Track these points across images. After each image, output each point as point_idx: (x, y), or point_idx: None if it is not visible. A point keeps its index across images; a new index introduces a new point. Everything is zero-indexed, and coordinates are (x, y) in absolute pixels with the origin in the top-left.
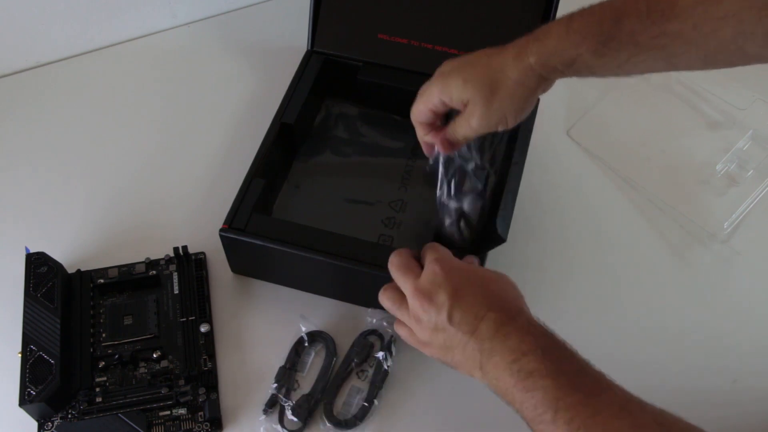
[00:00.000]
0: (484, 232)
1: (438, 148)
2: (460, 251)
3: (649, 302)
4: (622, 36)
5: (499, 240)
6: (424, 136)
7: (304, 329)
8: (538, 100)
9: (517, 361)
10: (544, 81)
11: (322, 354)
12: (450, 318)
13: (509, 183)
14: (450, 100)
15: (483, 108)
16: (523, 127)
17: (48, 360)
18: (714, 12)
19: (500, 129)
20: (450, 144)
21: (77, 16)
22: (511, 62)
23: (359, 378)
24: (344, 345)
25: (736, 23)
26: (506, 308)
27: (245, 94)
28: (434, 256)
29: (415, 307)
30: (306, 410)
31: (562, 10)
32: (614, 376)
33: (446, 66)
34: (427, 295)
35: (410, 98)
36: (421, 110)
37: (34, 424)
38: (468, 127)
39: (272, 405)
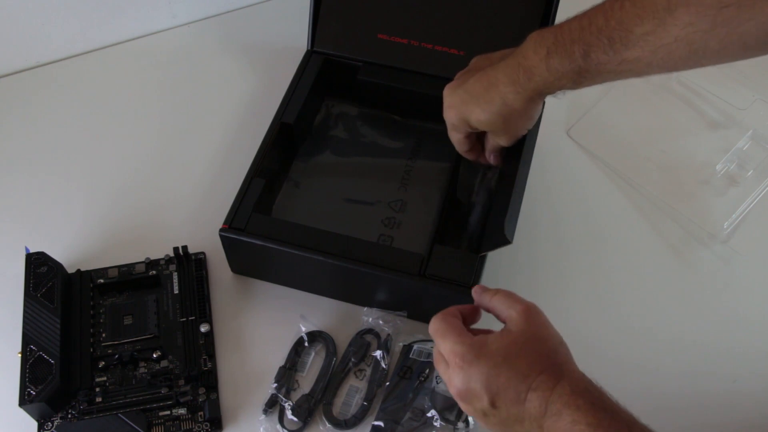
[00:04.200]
0: (489, 232)
1: (494, 162)
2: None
3: (648, 302)
4: (591, 68)
5: (505, 241)
6: (477, 158)
7: (304, 329)
8: (544, 102)
9: None
10: (542, 98)
11: (322, 354)
12: (494, 405)
13: (516, 184)
14: (475, 129)
15: (504, 133)
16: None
17: (48, 360)
18: (664, 38)
19: (513, 143)
20: (496, 156)
21: (77, 16)
22: (511, 95)
23: (357, 377)
24: (344, 345)
25: (687, 44)
26: (547, 375)
27: (245, 94)
28: (452, 349)
29: (459, 401)
30: (306, 410)
31: (562, 10)
32: (614, 376)
33: (453, 98)
34: (463, 395)
35: (410, 98)
36: (461, 141)
37: (34, 424)
38: (499, 143)
39: (272, 405)
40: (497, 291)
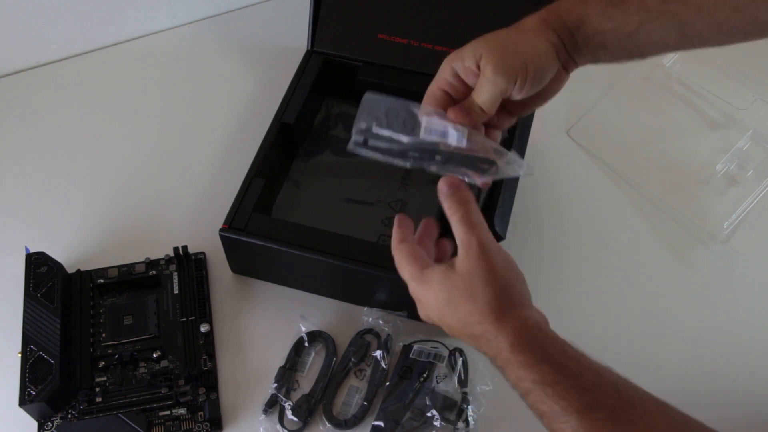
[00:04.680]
0: None
1: (457, 120)
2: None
3: (648, 302)
4: None
5: (498, 238)
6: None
7: (304, 329)
8: (564, 81)
9: (528, 392)
10: (559, 44)
11: (322, 354)
12: (453, 334)
13: (507, 181)
14: (462, 64)
15: (498, 56)
16: (521, 125)
17: (48, 360)
18: None
19: (518, 88)
20: (469, 115)
21: (77, 16)
22: (526, 21)
23: (357, 377)
24: (344, 345)
25: None
26: (487, 326)
27: (245, 94)
28: (409, 275)
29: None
30: (306, 410)
31: None
32: None
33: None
34: (426, 318)
35: (410, 98)
36: (430, 92)
37: (34, 424)
38: (485, 83)
39: (272, 405)
40: (456, 208)
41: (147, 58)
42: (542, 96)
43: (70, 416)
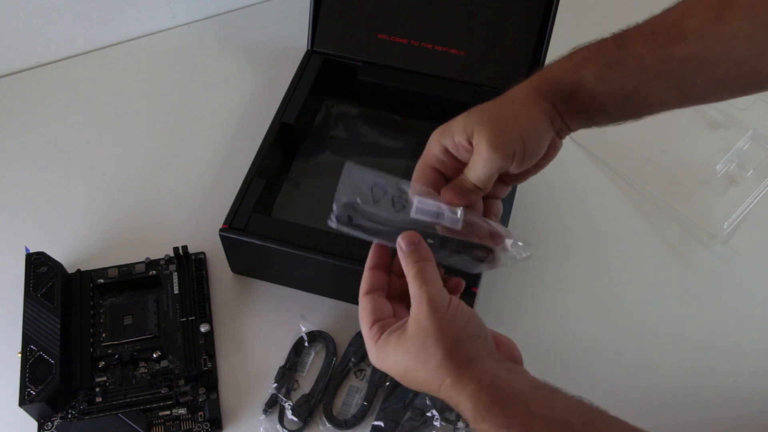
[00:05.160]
0: None
1: (452, 201)
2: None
3: (648, 302)
4: (627, 59)
5: None
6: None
7: (304, 329)
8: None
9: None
10: (553, 112)
11: (322, 354)
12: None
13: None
14: (452, 141)
15: (491, 132)
16: None
17: (48, 360)
18: (723, 32)
19: (516, 164)
20: (465, 195)
21: (77, 16)
22: (515, 90)
23: (357, 377)
24: (344, 345)
25: (748, 42)
26: (447, 386)
27: (245, 94)
28: (366, 341)
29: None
30: (306, 410)
31: (562, 11)
32: (614, 375)
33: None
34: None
35: (410, 98)
36: (419, 170)
37: (34, 424)
38: (480, 161)
39: (272, 405)
40: (413, 265)
41: (147, 58)
42: (537, 166)
43: (70, 416)
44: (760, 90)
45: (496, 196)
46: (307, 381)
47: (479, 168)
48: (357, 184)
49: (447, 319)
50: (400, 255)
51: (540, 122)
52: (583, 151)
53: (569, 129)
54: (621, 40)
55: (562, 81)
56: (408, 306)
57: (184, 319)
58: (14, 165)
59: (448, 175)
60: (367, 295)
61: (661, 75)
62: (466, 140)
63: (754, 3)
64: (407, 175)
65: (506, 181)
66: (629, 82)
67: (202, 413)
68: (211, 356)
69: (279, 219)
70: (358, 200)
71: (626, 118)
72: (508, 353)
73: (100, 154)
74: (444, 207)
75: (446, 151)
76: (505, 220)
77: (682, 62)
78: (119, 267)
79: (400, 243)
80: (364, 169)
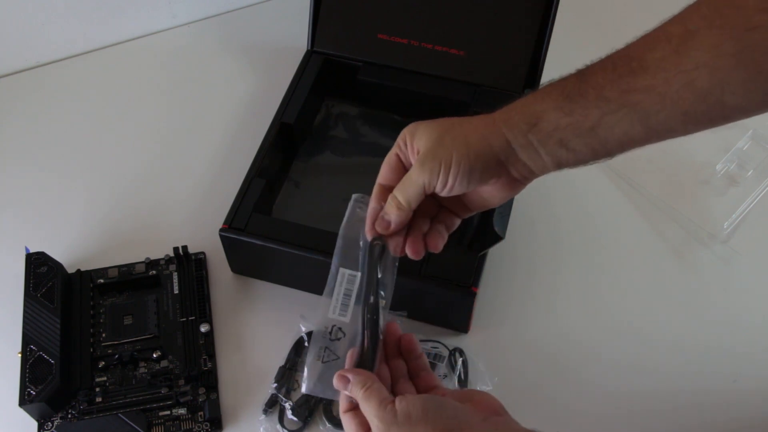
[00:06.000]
0: (483, 231)
1: (367, 232)
2: None
3: (648, 302)
4: (588, 90)
5: (497, 238)
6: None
7: (304, 329)
8: (511, 200)
9: None
10: (505, 145)
11: None
12: None
13: None
14: (402, 145)
15: (431, 144)
16: None
17: (48, 360)
18: (685, 63)
19: (441, 185)
20: (380, 223)
21: (77, 16)
22: (474, 118)
23: None
24: None
25: (710, 73)
26: None
27: (245, 94)
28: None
29: None
30: (306, 410)
31: (562, 11)
32: (614, 375)
33: (411, 128)
34: None
35: (410, 98)
36: (386, 159)
37: (34, 424)
38: (407, 178)
39: (272, 405)
40: (363, 392)
41: (147, 58)
42: (484, 202)
43: (70, 416)
44: (727, 122)
45: (444, 223)
46: None
47: (406, 184)
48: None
49: (407, 425)
50: (342, 388)
51: (483, 148)
52: None
53: (531, 171)
54: (582, 74)
55: (521, 113)
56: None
57: (184, 319)
58: (14, 165)
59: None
60: (346, 412)
61: (623, 106)
62: (413, 150)
63: (716, 33)
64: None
65: (454, 211)
66: (591, 113)
67: (202, 413)
68: (211, 356)
69: (279, 219)
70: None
71: (594, 155)
72: (487, 407)
73: (100, 154)
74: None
75: (397, 156)
76: (504, 221)
77: (643, 94)
78: (119, 267)
79: (340, 378)
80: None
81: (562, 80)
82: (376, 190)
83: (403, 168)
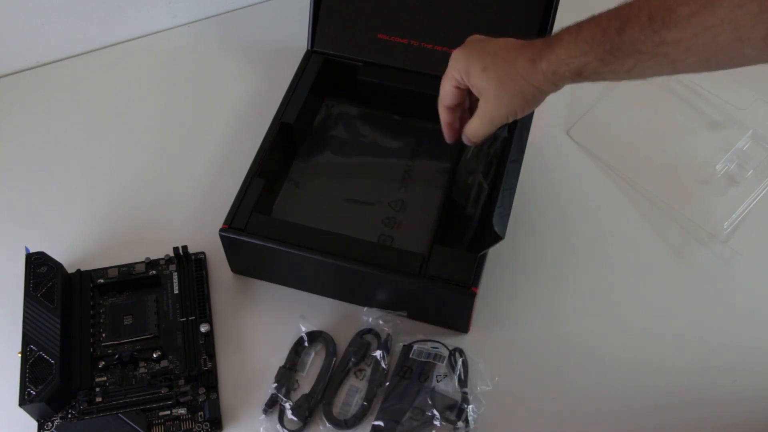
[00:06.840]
0: (484, 231)
1: (456, 138)
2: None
3: (648, 302)
4: (626, 45)
5: (497, 237)
6: (450, 121)
7: (304, 329)
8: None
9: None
10: (553, 86)
11: (322, 354)
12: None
13: (506, 181)
14: (468, 81)
15: (495, 102)
16: (520, 125)
17: (48, 360)
18: (710, 20)
19: (509, 120)
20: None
21: (77, 16)
22: (526, 64)
23: (357, 377)
24: (344, 345)
25: (733, 29)
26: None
27: (245, 94)
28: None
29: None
30: (306, 410)
31: (562, 11)
32: (614, 375)
33: (472, 45)
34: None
35: (410, 98)
36: (446, 91)
37: (34, 424)
38: (480, 122)
39: (272, 405)
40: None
41: (147, 58)
42: None
43: (70, 416)
44: (748, 64)
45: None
46: (307, 381)
47: (478, 127)
48: None
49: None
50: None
51: (539, 98)
52: (583, 151)
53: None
54: (621, 23)
55: (567, 68)
56: None
57: (184, 319)
58: (14, 165)
59: (464, 90)
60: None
61: (655, 56)
62: (476, 91)
63: None
64: (408, 176)
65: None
66: (628, 62)
67: (202, 413)
68: (211, 356)
69: (279, 219)
70: None
71: (622, 80)
72: None
73: (100, 154)
74: None
75: (462, 80)
76: (504, 221)
77: (673, 46)
78: (119, 267)
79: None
80: None
81: (603, 30)
82: (443, 113)
83: (461, 93)
